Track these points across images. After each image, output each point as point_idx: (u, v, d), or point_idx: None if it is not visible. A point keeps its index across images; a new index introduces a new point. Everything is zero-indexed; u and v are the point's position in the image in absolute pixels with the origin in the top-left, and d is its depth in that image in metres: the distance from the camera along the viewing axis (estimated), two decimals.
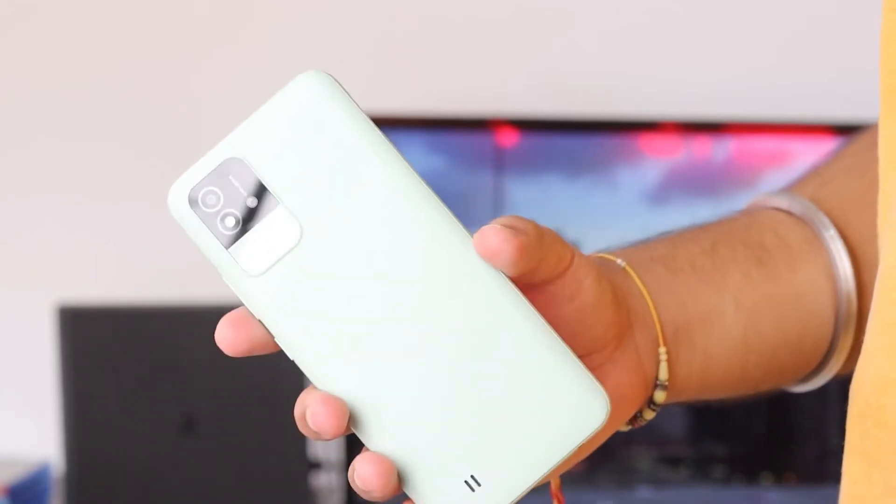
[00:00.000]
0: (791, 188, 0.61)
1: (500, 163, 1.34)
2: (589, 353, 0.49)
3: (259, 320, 0.45)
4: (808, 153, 1.35)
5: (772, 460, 1.40)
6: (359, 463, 0.44)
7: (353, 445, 1.35)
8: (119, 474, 1.36)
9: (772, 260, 0.57)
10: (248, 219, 0.45)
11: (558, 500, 0.55)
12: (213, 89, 1.52)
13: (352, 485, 0.45)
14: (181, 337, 1.35)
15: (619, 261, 0.55)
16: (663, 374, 0.53)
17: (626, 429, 0.55)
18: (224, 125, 1.65)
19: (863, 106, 1.35)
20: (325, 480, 1.47)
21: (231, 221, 0.45)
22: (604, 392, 0.45)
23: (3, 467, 1.44)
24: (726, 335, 0.56)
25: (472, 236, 0.45)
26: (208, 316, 1.38)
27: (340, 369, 0.45)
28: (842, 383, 0.59)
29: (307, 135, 0.45)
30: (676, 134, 1.35)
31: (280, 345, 0.46)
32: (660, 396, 0.54)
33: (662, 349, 0.53)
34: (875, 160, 0.54)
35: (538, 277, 0.47)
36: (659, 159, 1.35)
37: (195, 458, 1.36)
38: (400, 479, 0.45)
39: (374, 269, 0.45)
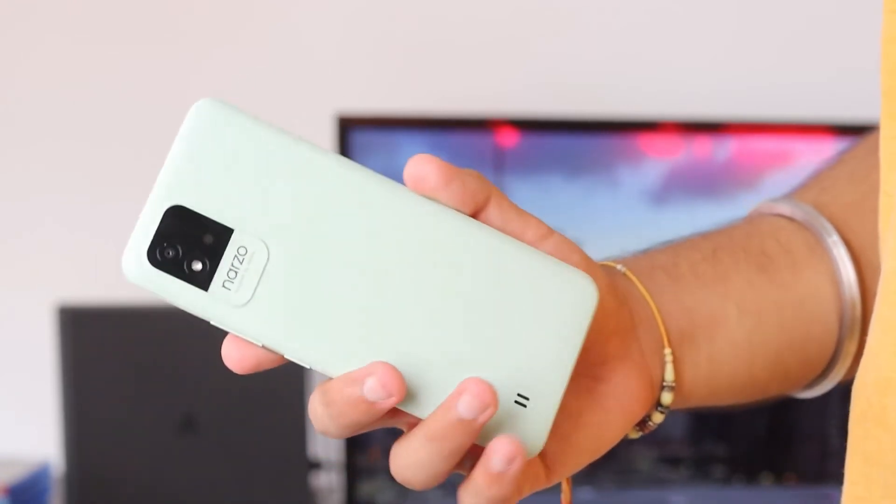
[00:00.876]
0: (792, 194, 0.61)
1: (501, 163, 1.34)
2: (590, 344, 0.49)
3: (263, 346, 0.46)
4: (809, 153, 1.35)
5: (772, 460, 1.40)
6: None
7: (353, 446, 1.35)
8: (119, 474, 1.36)
9: (774, 266, 0.57)
10: (214, 255, 0.45)
11: (567, 483, 0.55)
12: (214, 90, 1.52)
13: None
14: (181, 337, 1.35)
15: (619, 266, 0.55)
16: (669, 376, 0.54)
17: (636, 435, 0.55)
18: None
19: (863, 106, 1.35)
20: (325, 480, 1.47)
21: (198, 265, 0.45)
22: (585, 275, 0.47)
23: (3, 467, 1.44)
24: (731, 339, 0.56)
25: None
26: None
27: (362, 352, 0.46)
28: (843, 383, 0.59)
29: (226, 157, 0.46)
30: (676, 134, 1.35)
31: (292, 359, 0.46)
32: (667, 398, 0.54)
33: (668, 350, 0.53)
34: (877, 165, 0.54)
35: (497, 223, 0.47)
36: (659, 159, 1.35)
37: (195, 458, 1.36)
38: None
39: (346, 250, 0.46)
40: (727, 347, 0.56)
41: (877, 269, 0.54)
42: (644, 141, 1.35)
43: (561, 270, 0.47)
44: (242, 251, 0.45)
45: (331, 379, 0.45)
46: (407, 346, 0.46)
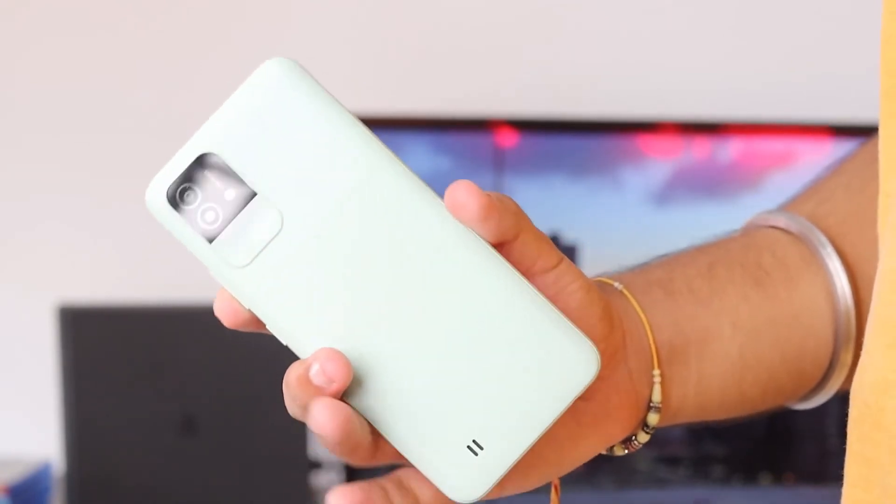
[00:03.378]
0: (789, 205, 0.61)
1: (500, 163, 1.34)
2: None
3: (249, 309, 0.46)
4: (809, 154, 1.35)
5: (771, 460, 1.40)
6: (316, 408, 0.45)
7: None
8: (119, 474, 1.36)
9: (770, 280, 0.57)
10: (228, 211, 0.45)
11: (556, 488, 0.55)
12: (216, 90, 1.52)
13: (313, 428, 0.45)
14: (181, 337, 1.35)
15: (616, 284, 0.55)
16: (656, 396, 0.53)
17: (621, 452, 0.55)
18: None
19: (863, 106, 1.35)
20: (325, 480, 1.47)
21: (211, 216, 0.45)
22: (592, 346, 0.46)
23: (3, 467, 1.44)
24: (723, 355, 0.56)
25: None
26: (208, 316, 1.39)
27: (330, 343, 0.45)
28: (839, 394, 0.59)
29: (277, 122, 0.45)
30: (676, 135, 1.35)
31: (272, 331, 0.46)
32: (653, 419, 0.54)
33: (656, 371, 0.53)
34: (874, 176, 0.54)
35: (516, 262, 0.47)
36: (659, 160, 1.35)
37: (195, 458, 1.36)
38: (403, 448, 0.46)
39: (357, 247, 0.45)
40: (718, 364, 0.56)
41: (871, 282, 0.54)
42: (643, 141, 1.35)
43: (569, 336, 0.46)
44: (258, 216, 0.45)
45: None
46: (378, 354, 0.45)
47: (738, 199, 1.34)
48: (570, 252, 1.35)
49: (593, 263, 1.34)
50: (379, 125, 1.33)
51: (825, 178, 0.62)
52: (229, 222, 0.45)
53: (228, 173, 0.45)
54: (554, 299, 0.48)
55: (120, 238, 1.54)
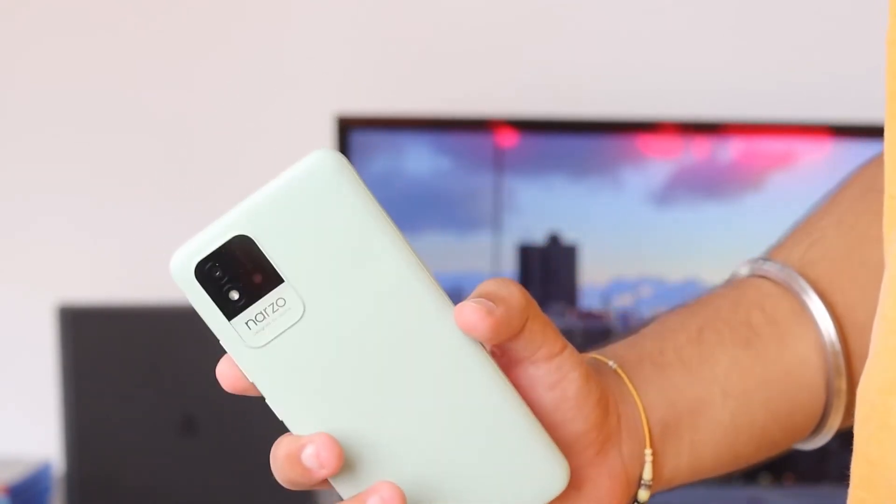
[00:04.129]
0: (781, 248, 0.62)
1: (500, 163, 1.34)
2: (567, 447, 0.51)
3: (253, 384, 0.47)
4: (809, 154, 1.35)
5: (770, 461, 1.40)
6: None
7: None
8: (119, 474, 1.36)
9: (759, 340, 0.58)
10: (253, 294, 0.46)
11: None
12: (217, 91, 1.52)
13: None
14: (181, 337, 1.35)
15: (610, 363, 0.56)
16: (647, 475, 0.55)
17: None
18: (228, 126, 1.64)
19: (863, 107, 1.35)
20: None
21: (235, 295, 0.46)
22: (564, 463, 0.49)
23: (3, 467, 1.44)
24: (715, 423, 0.57)
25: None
26: None
27: (325, 428, 0.47)
28: (839, 433, 0.60)
29: (316, 216, 0.46)
30: (676, 135, 1.35)
31: (271, 406, 0.48)
32: (644, 495, 0.55)
33: (648, 451, 0.55)
34: (867, 209, 0.54)
35: (520, 350, 0.50)
36: (659, 160, 1.35)
37: (195, 458, 1.36)
38: None
39: (368, 347, 0.47)
40: (711, 431, 0.57)
41: (862, 329, 0.56)
42: (643, 141, 1.35)
43: (544, 450, 0.49)
44: (281, 302, 0.46)
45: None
46: (366, 447, 0.47)
47: (738, 199, 1.34)
48: (570, 252, 1.35)
49: (593, 263, 1.34)
50: (379, 125, 1.33)
51: (818, 213, 0.62)
52: (252, 304, 0.46)
53: (260, 258, 0.46)
54: (554, 386, 0.50)
55: (120, 238, 1.54)
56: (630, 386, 0.55)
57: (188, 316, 1.36)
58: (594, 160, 1.34)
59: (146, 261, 1.53)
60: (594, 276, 1.35)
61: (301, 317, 0.46)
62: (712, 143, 1.36)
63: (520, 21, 1.52)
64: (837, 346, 0.58)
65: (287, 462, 0.47)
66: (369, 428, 0.47)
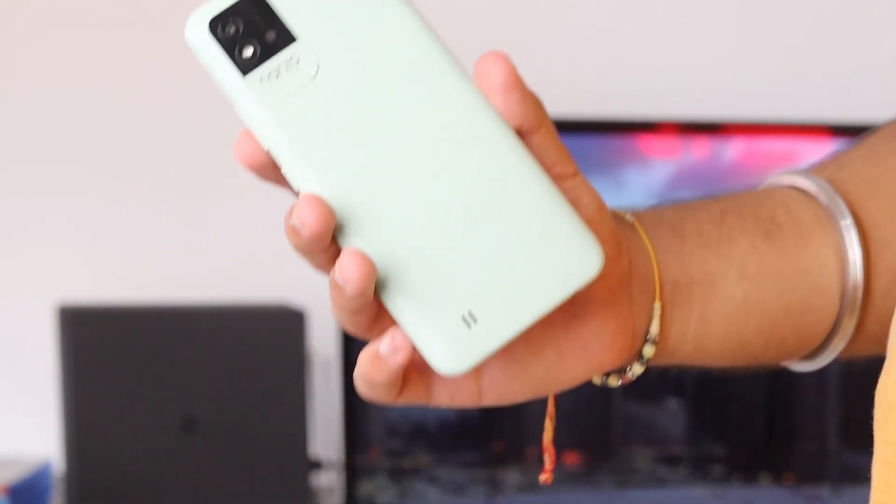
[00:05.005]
0: (809, 170, 0.61)
1: None
2: None
3: (267, 150, 0.46)
4: (809, 154, 1.35)
5: (771, 460, 1.40)
6: (344, 257, 0.45)
7: (354, 446, 1.35)
8: (119, 474, 1.36)
9: (781, 234, 0.57)
10: (267, 51, 0.46)
11: (550, 454, 0.55)
12: (219, 91, 1.52)
13: (335, 278, 0.46)
14: (181, 337, 1.35)
15: (627, 216, 0.55)
16: (654, 329, 0.53)
17: (615, 383, 0.55)
18: (228, 126, 1.64)
19: (863, 107, 1.35)
20: (325, 480, 1.47)
21: (249, 52, 0.46)
22: (599, 246, 0.46)
23: (3, 467, 1.44)
24: (726, 299, 0.55)
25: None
26: (208, 316, 1.39)
27: (345, 198, 0.46)
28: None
29: None
30: (676, 135, 1.35)
31: (285, 175, 0.46)
32: (649, 351, 0.54)
33: (657, 304, 0.53)
34: (894, 151, 0.54)
35: (534, 152, 0.47)
36: (659, 160, 1.35)
37: (195, 458, 1.36)
38: (397, 311, 0.46)
39: (384, 106, 0.46)
40: (721, 307, 0.55)
41: (885, 247, 0.55)
42: (643, 141, 1.35)
43: (578, 231, 0.46)
44: (295, 61, 0.46)
45: None
46: (386, 210, 0.46)
47: None
48: None
49: None
50: None
51: (847, 149, 0.62)
52: (266, 61, 0.46)
53: (273, 14, 0.46)
54: None
55: (120, 238, 1.54)
56: (645, 238, 0.54)
57: (188, 316, 1.36)
58: (594, 160, 1.34)
59: (146, 261, 1.53)
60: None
61: (315, 75, 0.46)
62: (712, 143, 1.36)
63: (520, 21, 1.52)
64: (859, 257, 0.57)
65: (288, 229, 0.46)
66: (389, 191, 0.45)
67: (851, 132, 1.35)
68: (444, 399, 0.51)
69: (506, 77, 0.47)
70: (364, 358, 0.47)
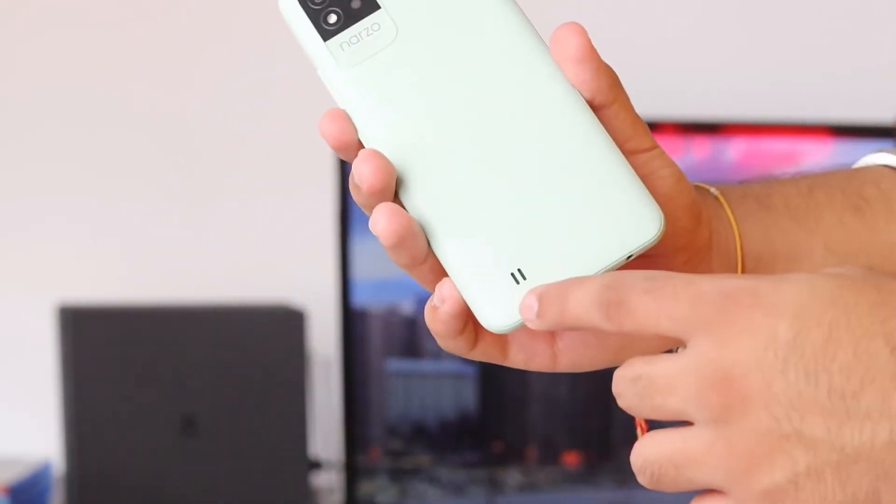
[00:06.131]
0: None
1: None
2: (655, 254, 0.49)
3: (344, 110, 0.48)
4: (810, 154, 1.35)
5: None
6: (377, 212, 0.46)
7: (354, 446, 1.35)
8: (119, 474, 1.36)
9: (870, 209, 0.56)
10: (350, 18, 0.48)
11: (642, 429, 0.54)
12: (218, 90, 1.52)
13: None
14: (181, 337, 1.35)
15: (712, 189, 0.54)
16: None
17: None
18: (228, 126, 1.64)
19: (863, 107, 1.35)
20: (325, 480, 1.47)
21: (333, 18, 0.48)
22: (660, 212, 0.46)
23: (3, 467, 1.44)
24: None
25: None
26: (208, 316, 1.39)
27: (416, 162, 0.47)
28: None
29: None
30: (676, 135, 1.35)
31: (361, 138, 0.48)
32: None
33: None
34: None
35: (609, 128, 0.48)
36: None
37: (195, 458, 1.36)
38: (448, 264, 0.46)
39: (456, 74, 0.48)
40: None
41: None
42: None
43: (639, 195, 0.47)
44: (376, 27, 0.48)
45: None
46: (451, 168, 0.47)
47: None
48: None
49: None
50: None
51: None
52: (349, 26, 0.48)
53: None
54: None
55: (120, 238, 1.54)
56: (728, 211, 0.54)
57: (188, 316, 1.36)
58: None
59: (146, 261, 1.53)
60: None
61: (393, 40, 0.48)
62: (712, 143, 1.36)
63: None
64: None
65: (351, 182, 0.47)
66: (453, 150, 0.47)
67: (851, 132, 1.34)
68: (519, 360, 0.50)
69: (580, 48, 0.47)
70: (425, 308, 0.48)
